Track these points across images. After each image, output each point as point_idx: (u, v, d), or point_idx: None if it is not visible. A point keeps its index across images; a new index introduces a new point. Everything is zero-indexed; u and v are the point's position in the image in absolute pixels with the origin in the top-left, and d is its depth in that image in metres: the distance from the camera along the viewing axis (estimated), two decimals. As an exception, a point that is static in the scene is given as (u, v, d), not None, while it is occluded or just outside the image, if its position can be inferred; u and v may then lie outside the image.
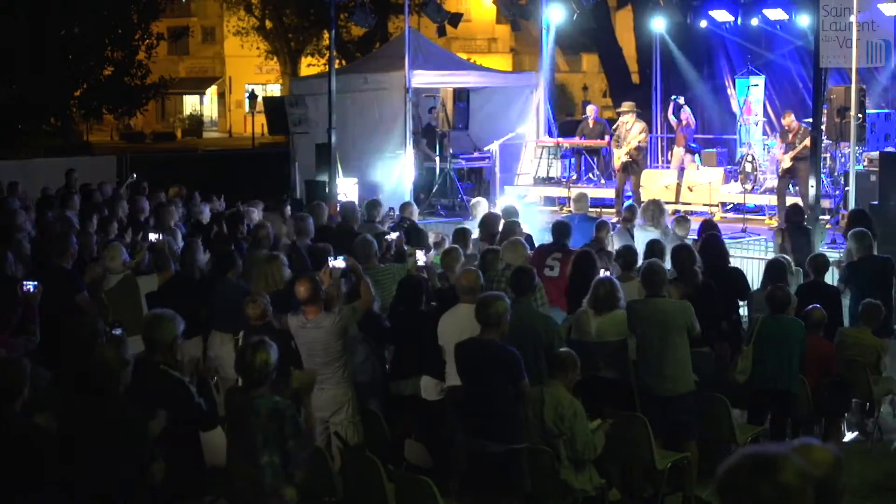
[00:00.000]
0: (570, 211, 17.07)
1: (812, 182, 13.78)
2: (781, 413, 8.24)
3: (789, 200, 15.08)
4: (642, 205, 12.13)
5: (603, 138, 18.76)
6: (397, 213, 13.24)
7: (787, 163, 15.36)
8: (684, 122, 18.76)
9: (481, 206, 12.73)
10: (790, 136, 15.46)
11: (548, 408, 6.76)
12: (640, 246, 10.00)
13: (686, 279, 8.67)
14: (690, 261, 9.02)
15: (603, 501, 7.03)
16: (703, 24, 19.96)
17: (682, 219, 11.45)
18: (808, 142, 14.84)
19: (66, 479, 5.22)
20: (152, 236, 9.72)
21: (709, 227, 10.93)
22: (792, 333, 8.22)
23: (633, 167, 16.52)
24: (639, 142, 16.38)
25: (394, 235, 10.35)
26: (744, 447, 2.78)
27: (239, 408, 5.72)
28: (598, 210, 16.00)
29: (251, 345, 5.77)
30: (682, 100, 19.05)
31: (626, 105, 16.97)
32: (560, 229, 10.27)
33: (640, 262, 9.11)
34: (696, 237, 10.89)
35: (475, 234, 10.89)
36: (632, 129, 16.38)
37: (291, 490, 5.71)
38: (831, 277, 10.30)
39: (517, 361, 6.60)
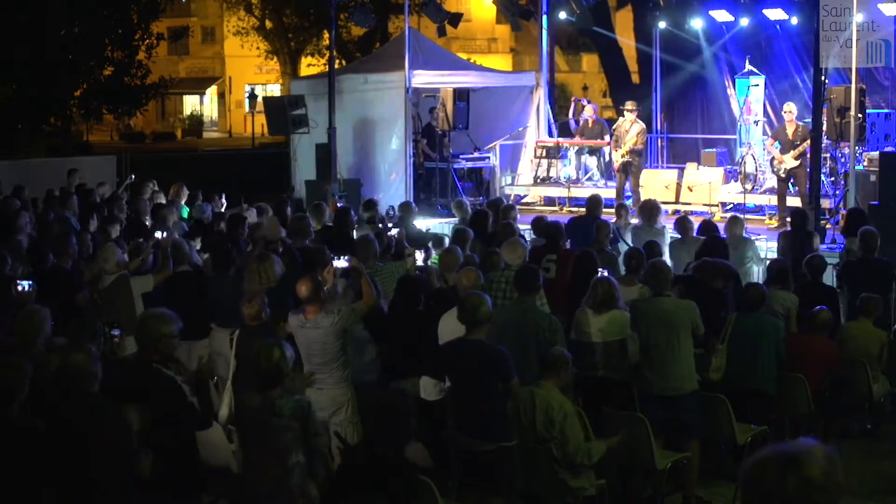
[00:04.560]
0: (569, 212, 17.11)
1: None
2: (757, 412, 8.20)
3: (790, 201, 15.04)
4: (639, 205, 12.13)
5: (603, 138, 18.77)
6: (397, 212, 13.26)
7: (790, 163, 15.17)
8: (591, 124, 19.04)
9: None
10: (790, 134, 15.31)
11: (538, 411, 6.70)
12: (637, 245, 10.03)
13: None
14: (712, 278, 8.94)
15: (603, 501, 7.03)
16: (703, 23, 19.95)
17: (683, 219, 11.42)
18: (808, 142, 14.80)
19: (58, 481, 5.21)
20: (157, 234, 9.75)
21: (709, 229, 10.95)
22: (765, 332, 8.20)
23: (632, 167, 16.50)
24: (635, 142, 16.35)
25: (394, 233, 10.37)
26: (769, 445, 2.82)
27: (257, 411, 5.70)
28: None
29: (266, 346, 5.75)
30: (584, 101, 19.38)
31: (628, 104, 16.97)
32: (553, 231, 10.26)
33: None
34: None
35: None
36: (630, 130, 16.37)
37: (314, 487, 5.71)
38: (830, 278, 10.31)
39: (506, 360, 6.62)
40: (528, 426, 6.75)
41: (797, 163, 15.01)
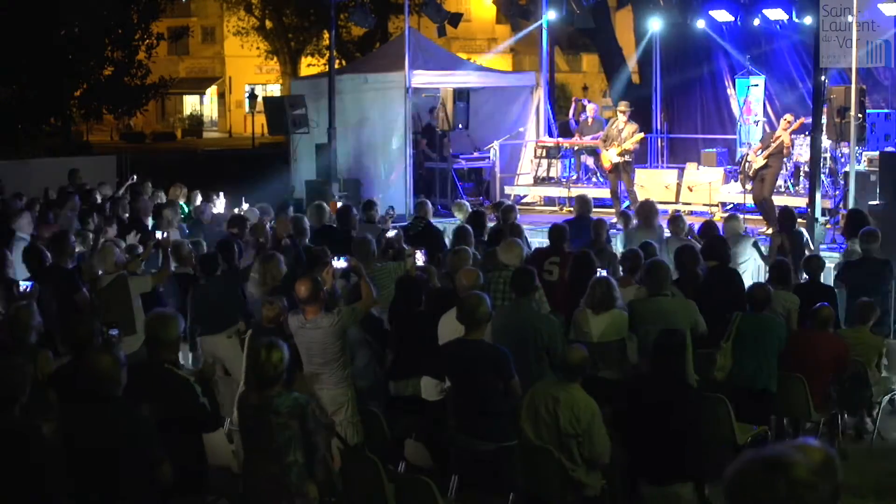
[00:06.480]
0: (570, 212, 17.10)
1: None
2: (761, 412, 8.19)
3: (779, 200, 15.06)
4: (636, 206, 12.11)
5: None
6: (396, 212, 13.25)
7: (759, 162, 15.28)
8: (590, 122, 19.09)
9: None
10: (773, 138, 15.41)
11: (564, 407, 6.62)
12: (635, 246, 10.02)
13: (688, 279, 8.65)
14: (693, 261, 9.00)
15: (604, 501, 7.02)
16: (703, 23, 19.96)
17: (676, 218, 11.44)
18: (784, 138, 14.92)
19: (73, 488, 5.18)
20: (158, 234, 9.76)
21: (710, 229, 10.96)
22: (770, 332, 8.19)
23: (627, 167, 16.44)
24: (636, 140, 16.33)
25: (392, 234, 10.36)
26: (750, 450, 2.78)
27: (256, 409, 5.70)
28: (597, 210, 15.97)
29: (264, 345, 5.75)
30: (585, 101, 19.44)
31: (621, 105, 16.98)
32: (557, 233, 10.25)
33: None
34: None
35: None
36: (624, 130, 16.34)
37: (314, 487, 5.71)
38: (828, 278, 10.31)
39: (507, 360, 6.63)
40: (550, 423, 6.62)
41: (763, 162, 15.10)
